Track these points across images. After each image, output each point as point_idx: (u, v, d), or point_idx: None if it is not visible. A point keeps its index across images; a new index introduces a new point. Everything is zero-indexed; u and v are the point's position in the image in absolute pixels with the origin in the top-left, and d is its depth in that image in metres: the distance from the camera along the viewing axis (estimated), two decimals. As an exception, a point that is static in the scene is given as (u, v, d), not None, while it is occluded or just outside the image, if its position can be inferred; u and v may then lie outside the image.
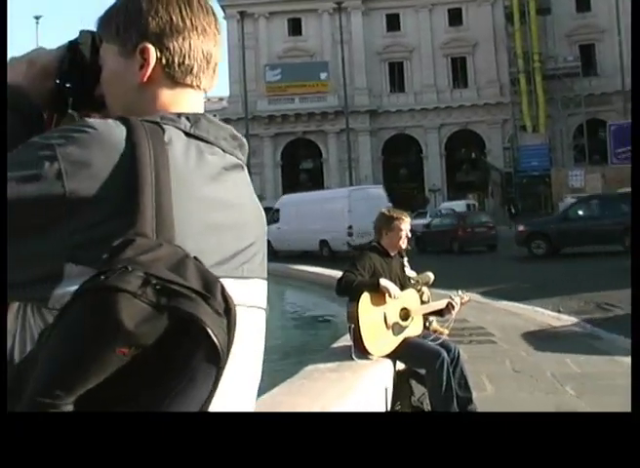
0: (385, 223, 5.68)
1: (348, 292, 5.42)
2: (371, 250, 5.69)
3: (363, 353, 5.29)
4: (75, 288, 1.02)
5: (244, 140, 1.36)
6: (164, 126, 1.21)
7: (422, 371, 5.40)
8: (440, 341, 5.51)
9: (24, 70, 1.39)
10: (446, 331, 5.84)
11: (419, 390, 5.40)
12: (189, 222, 1.14)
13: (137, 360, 0.97)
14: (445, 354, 5.25)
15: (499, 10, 61.62)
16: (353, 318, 5.29)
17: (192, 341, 0.98)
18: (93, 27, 1.38)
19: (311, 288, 12.97)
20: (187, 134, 1.23)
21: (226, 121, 1.33)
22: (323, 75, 63.20)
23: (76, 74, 1.38)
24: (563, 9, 59.45)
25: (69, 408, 0.96)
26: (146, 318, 0.96)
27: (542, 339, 8.94)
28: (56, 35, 69.81)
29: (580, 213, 24.88)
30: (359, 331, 5.26)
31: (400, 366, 5.56)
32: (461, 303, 5.78)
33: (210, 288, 1.02)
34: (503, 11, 60.66)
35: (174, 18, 1.28)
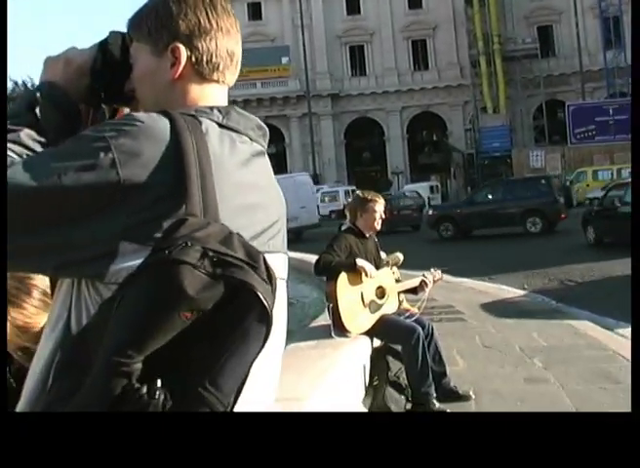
0: (360, 205, 5.82)
1: (326, 272, 5.57)
2: (347, 231, 5.83)
3: (341, 331, 5.45)
4: (130, 264, 1.18)
5: (267, 130, 1.53)
6: (200, 118, 1.35)
7: (399, 347, 5.56)
8: (415, 318, 5.70)
9: (61, 69, 1.49)
10: (416, 310, 6.02)
11: (395, 366, 5.54)
12: (227, 203, 1.28)
13: (197, 323, 1.12)
14: (420, 330, 5.43)
15: (458, -8, 61.91)
16: (332, 297, 5.45)
17: (245, 305, 1.15)
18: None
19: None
20: (220, 124, 1.38)
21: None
22: (284, 59, 62.92)
23: (108, 72, 1.51)
24: (521, -9, 59.94)
25: (139, 366, 1.10)
26: (205, 286, 1.12)
27: (510, 316, 9.15)
28: (11, 21, 68.57)
29: (485, 197, 25.88)
30: (337, 309, 5.41)
31: (377, 343, 5.71)
32: (434, 281, 5.97)
33: (255, 258, 1.19)
34: (462, -7, 60.96)
35: (201, 20, 1.43)
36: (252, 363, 1.20)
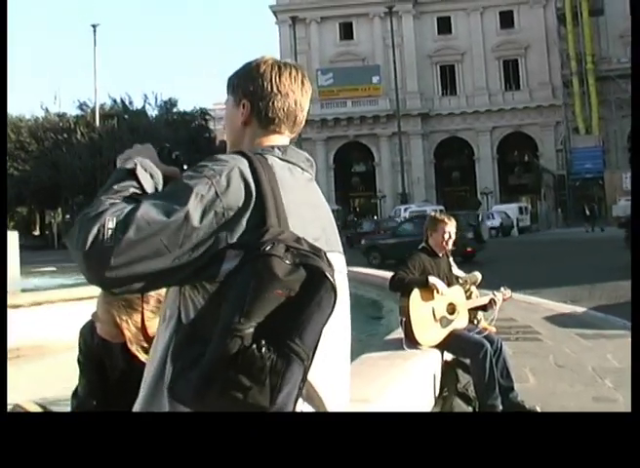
0: (430, 225, 6.17)
1: (400, 288, 5.90)
2: (420, 250, 6.15)
3: (413, 344, 5.75)
4: (232, 264, 1.66)
5: (313, 161, 2.00)
6: (265, 155, 1.84)
7: (468, 361, 5.85)
8: (484, 334, 5.97)
9: (144, 151, 1.98)
10: (493, 329, 6.28)
11: (464, 378, 5.78)
12: (293, 216, 1.75)
13: (288, 298, 1.58)
14: (488, 345, 5.68)
15: (550, 12, 61.33)
16: (404, 312, 5.78)
17: (318, 282, 1.60)
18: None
19: (363, 287, 13.37)
20: (280, 159, 1.86)
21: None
22: (375, 79, 63.50)
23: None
24: (616, 9, 58.28)
25: (250, 331, 1.54)
26: (290, 271, 1.59)
27: (587, 337, 9.19)
28: (111, 41, 71.01)
29: (405, 230, 28.89)
30: (410, 323, 5.73)
31: (448, 356, 5.99)
32: (503, 299, 6.22)
33: (319, 252, 1.66)
34: (555, 12, 60.36)
35: (265, 84, 1.94)
36: (325, 323, 1.63)
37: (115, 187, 1.79)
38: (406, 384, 4.94)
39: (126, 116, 67.34)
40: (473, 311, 6.27)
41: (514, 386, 5.92)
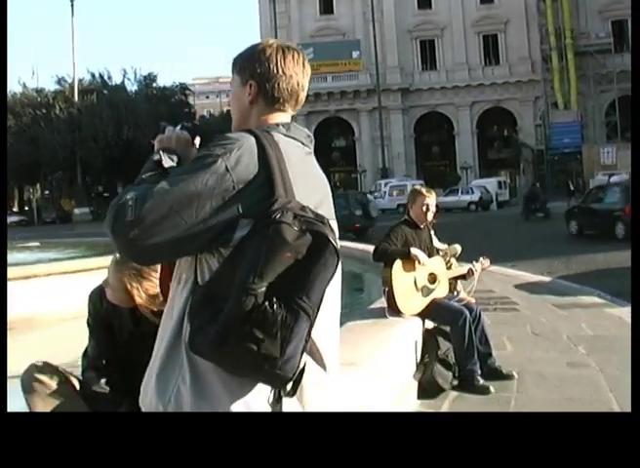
0: (411, 198, 6.38)
1: (383, 259, 6.11)
2: (403, 222, 6.38)
3: (395, 312, 5.96)
4: (244, 232, 1.84)
5: (312, 137, 2.18)
6: (271, 132, 2.02)
7: (448, 329, 6.09)
8: (464, 303, 6.22)
9: (173, 140, 2.16)
10: (473, 300, 6.53)
11: (444, 345, 5.99)
12: (298, 186, 1.93)
13: (296, 260, 1.77)
14: (467, 313, 5.93)
15: (530, -14, 61.30)
16: (387, 282, 5.99)
17: (323, 246, 1.80)
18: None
19: (346, 261, 13.51)
20: (284, 135, 2.04)
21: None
22: (355, 54, 63.27)
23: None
24: (595, -15, 58.84)
25: (263, 290, 1.73)
26: (298, 236, 1.78)
27: (563, 307, 9.41)
28: (89, 15, 70.15)
29: None
30: (392, 293, 5.94)
31: (429, 324, 6.22)
32: (482, 269, 6.48)
33: (323, 219, 1.85)
34: (535, -13, 60.34)
35: (271, 67, 2.11)
36: (328, 283, 1.83)
37: (143, 177, 2.01)
38: (390, 350, 5.17)
39: (105, 91, 66.88)
40: (453, 281, 6.51)
41: (492, 352, 6.19)
